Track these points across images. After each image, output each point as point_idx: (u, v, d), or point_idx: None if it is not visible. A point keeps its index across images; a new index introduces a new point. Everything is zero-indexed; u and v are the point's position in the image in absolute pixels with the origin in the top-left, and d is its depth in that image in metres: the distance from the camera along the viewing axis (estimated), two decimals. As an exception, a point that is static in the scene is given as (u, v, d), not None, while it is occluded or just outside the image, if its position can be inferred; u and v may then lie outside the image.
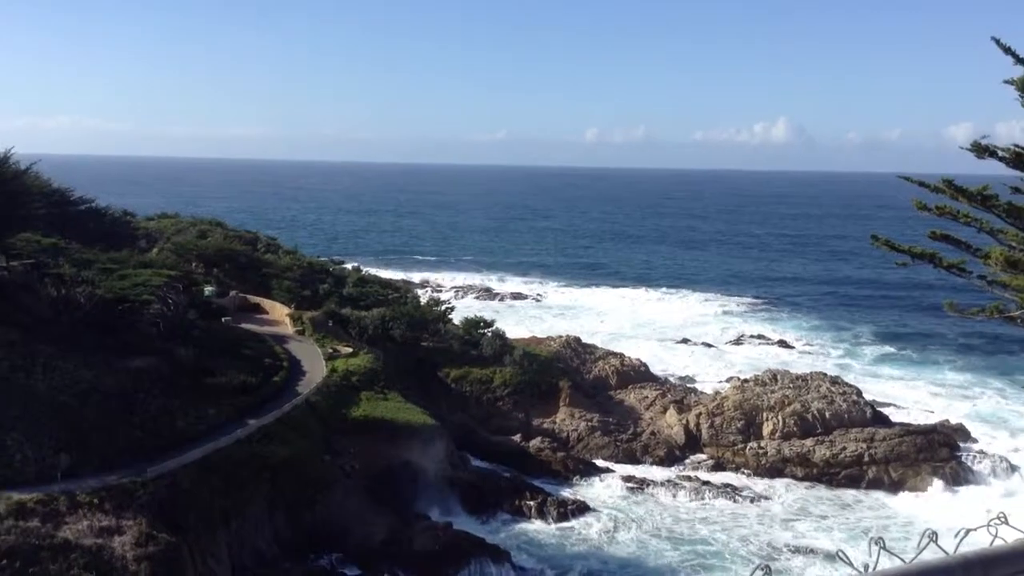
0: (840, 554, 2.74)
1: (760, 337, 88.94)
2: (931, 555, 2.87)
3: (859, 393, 58.33)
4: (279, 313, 60.76)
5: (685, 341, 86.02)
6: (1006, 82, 12.32)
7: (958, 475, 50.56)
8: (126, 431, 33.31)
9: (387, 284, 78.13)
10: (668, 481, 50.19)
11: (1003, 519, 3.04)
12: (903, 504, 48.36)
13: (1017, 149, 12.03)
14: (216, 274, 66.66)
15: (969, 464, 51.99)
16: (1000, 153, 12.19)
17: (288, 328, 57.37)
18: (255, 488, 36.04)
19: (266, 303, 63.13)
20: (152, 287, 46.49)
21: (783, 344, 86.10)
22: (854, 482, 50.85)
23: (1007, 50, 11.54)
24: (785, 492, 49.80)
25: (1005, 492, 49.45)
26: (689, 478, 50.91)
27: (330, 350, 53.37)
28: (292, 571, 34.77)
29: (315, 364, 48.91)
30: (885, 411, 59.12)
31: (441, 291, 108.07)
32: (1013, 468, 52.13)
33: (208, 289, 59.64)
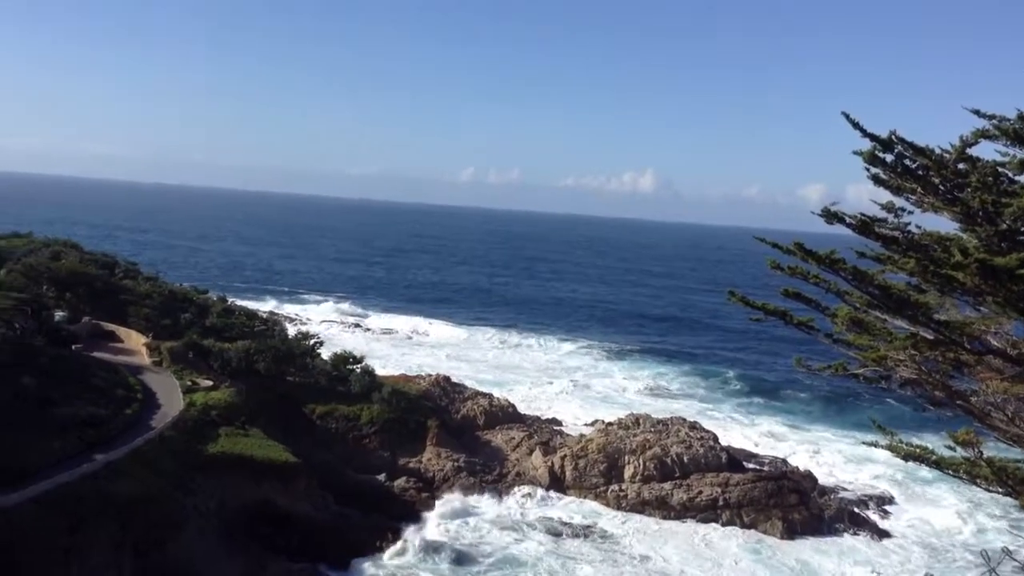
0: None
1: (626, 380, 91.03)
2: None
3: (715, 439, 60.37)
4: (136, 342, 58.21)
5: (551, 383, 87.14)
6: (855, 153, 13.17)
7: (807, 522, 52.55)
8: (-42, 465, 31.06)
9: (254, 315, 75.90)
10: (529, 523, 50.39)
11: None
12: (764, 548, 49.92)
13: (863, 217, 12.78)
14: (69, 299, 63.36)
15: (816, 511, 54.17)
16: (848, 220, 12.92)
17: (145, 358, 55.02)
18: (100, 527, 34.09)
19: (122, 331, 60.36)
20: (-3, 310, 43.80)
21: (649, 390, 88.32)
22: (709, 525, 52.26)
23: (855, 124, 12.31)
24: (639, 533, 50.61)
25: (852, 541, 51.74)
26: (550, 519, 51.24)
27: (189, 383, 51.41)
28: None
29: (172, 397, 46.99)
30: (740, 457, 61.26)
31: (310, 324, 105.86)
32: (857, 518, 54.63)
33: (59, 314, 56.66)
